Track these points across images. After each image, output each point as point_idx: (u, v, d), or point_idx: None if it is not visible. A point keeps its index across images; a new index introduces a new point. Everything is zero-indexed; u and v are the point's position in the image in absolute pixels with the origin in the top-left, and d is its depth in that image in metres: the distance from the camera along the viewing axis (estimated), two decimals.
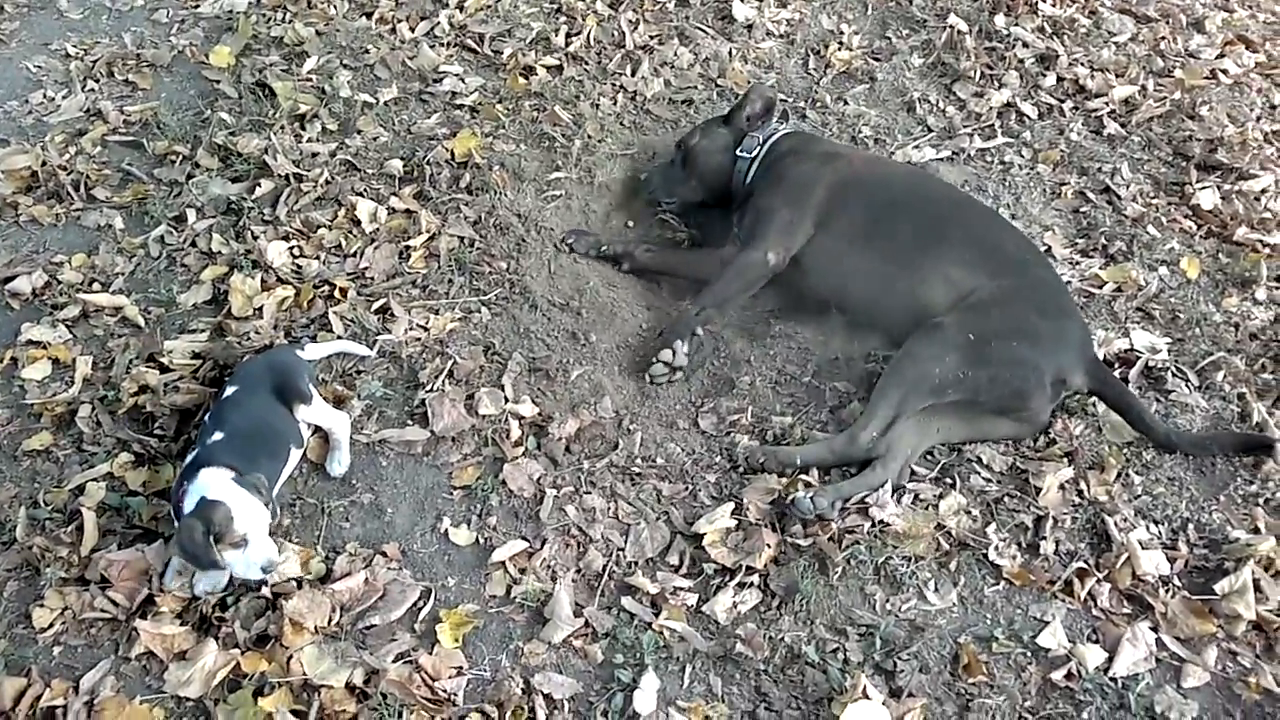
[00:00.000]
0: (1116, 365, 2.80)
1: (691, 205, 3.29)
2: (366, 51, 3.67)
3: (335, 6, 3.90)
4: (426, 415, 2.53)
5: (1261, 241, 3.18)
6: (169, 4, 3.96)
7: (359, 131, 3.35)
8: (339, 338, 2.69)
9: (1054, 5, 4.12)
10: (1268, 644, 2.18)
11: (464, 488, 2.43)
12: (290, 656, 2.03)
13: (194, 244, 2.99)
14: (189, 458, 2.20)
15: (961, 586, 2.29)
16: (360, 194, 3.11)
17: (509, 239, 3.02)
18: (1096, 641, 2.18)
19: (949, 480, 2.51)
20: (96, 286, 2.85)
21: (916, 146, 3.52)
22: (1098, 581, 2.28)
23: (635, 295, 3.02)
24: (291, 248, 2.93)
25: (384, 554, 2.27)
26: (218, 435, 2.22)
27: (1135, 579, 2.28)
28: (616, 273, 3.07)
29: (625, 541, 2.35)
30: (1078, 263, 3.13)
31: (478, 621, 2.18)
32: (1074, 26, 4.04)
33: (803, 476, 2.46)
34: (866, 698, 2.03)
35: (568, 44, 3.77)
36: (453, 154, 3.24)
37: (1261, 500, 2.48)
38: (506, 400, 2.59)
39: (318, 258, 2.92)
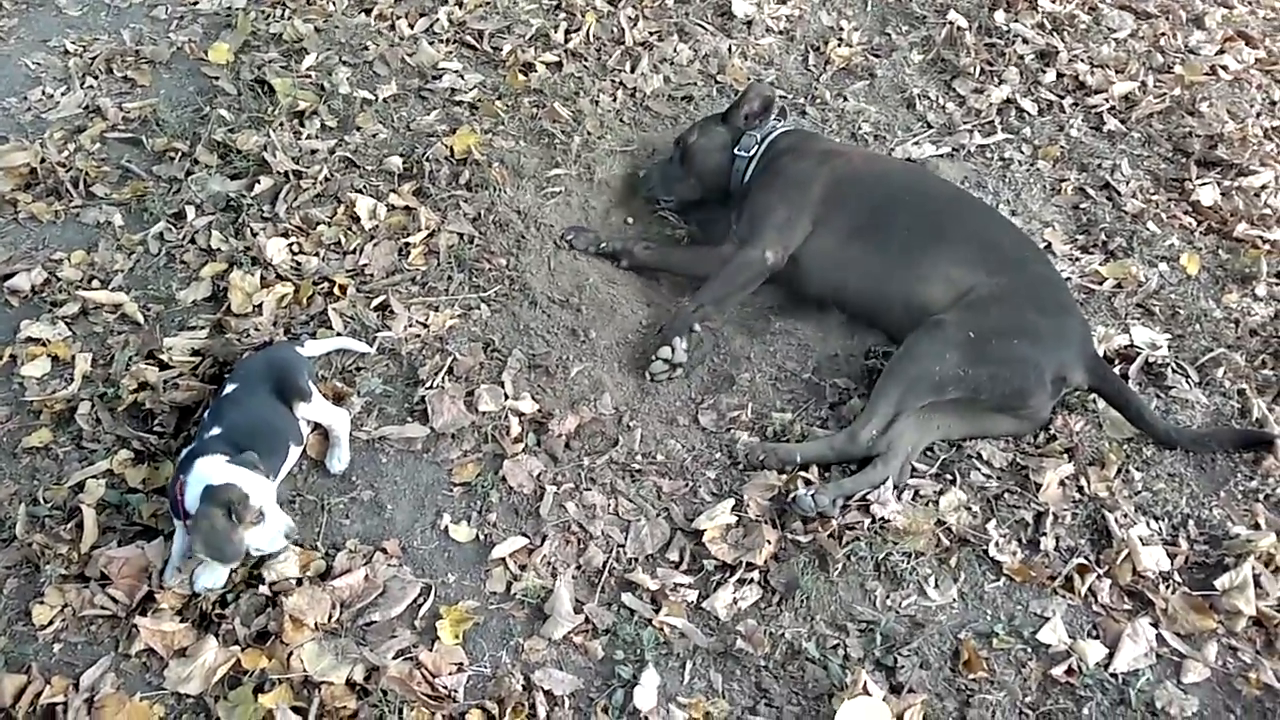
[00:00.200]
0: (1117, 361, 2.80)
1: (690, 202, 3.29)
2: (366, 48, 3.66)
3: (334, 3, 3.89)
4: (426, 412, 2.53)
5: (1261, 237, 3.18)
6: (167, 1, 3.95)
7: (358, 128, 3.34)
8: (339, 335, 2.69)
9: (1054, 1, 4.11)
10: (1268, 639, 2.19)
11: (464, 484, 2.43)
12: (290, 653, 2.03)
13: (193, 241, 2.99)
14: (184, 452, 2.20)
15: (962, 582, 2.29)
16: (359, 191, 3.11)
17: (508, 236, 3.02)
18: (1097, 637, 2.18)
19: (949, 476, 2.51)
20: (96, 283, 2.85)
21: (916, 143, 3.52)
22: (1098, 577, 2.28)
23: (635, 292, 3.02)
24: (291, 244, 2.93)
25: (384, 551, 2.27)
26: (215, 430, 2.22)
27: (1135, 575, 2.28)
28: (616, 269, 3.07)
29: (625, 538, 2.36)
30: (1078, 259, 3.13)
31: (478, 618, 2.18)
32: (1074, 22, 4.04)
33: (802, 473, 2.46)
34: (867, 694, 2.03)
35: (567, 40, 3.77)
36: (452, 151, 3.24)
37: (1261, 496, 2.48)
38: (506, 397, 2.59)
39: (317, 254, 2.92)
